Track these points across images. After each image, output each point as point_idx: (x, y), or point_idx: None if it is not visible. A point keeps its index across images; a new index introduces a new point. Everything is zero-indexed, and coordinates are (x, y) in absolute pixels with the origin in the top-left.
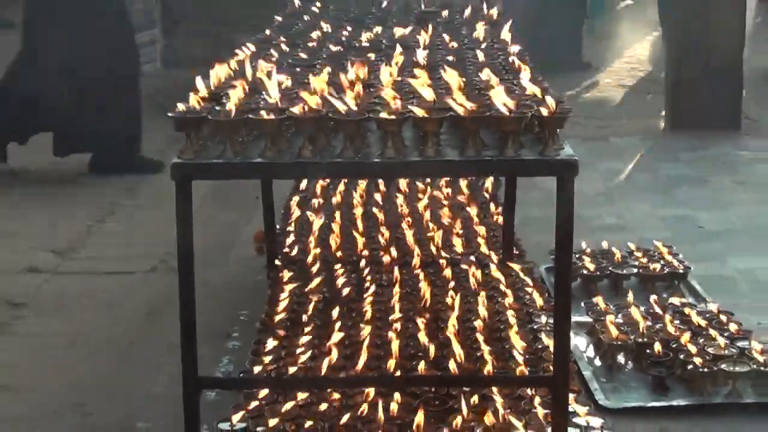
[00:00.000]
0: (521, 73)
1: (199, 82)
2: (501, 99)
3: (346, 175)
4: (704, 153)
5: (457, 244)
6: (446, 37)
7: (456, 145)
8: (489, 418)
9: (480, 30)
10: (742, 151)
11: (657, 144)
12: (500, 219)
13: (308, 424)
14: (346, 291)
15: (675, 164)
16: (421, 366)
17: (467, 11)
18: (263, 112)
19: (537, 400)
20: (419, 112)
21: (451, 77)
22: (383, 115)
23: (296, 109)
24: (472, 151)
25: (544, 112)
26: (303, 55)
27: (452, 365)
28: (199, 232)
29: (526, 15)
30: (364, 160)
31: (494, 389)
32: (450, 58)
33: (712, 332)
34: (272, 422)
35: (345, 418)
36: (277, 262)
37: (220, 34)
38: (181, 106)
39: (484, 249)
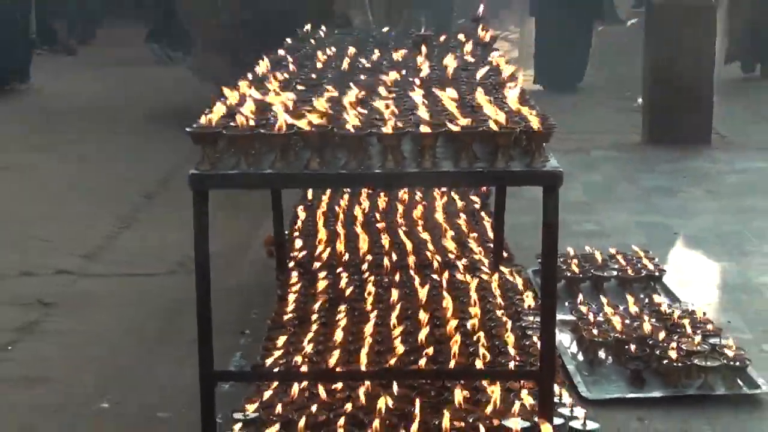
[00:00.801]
0: (510, 92)
1: (216, 100)
2: (492, 115)
3: (350, 185)
4: (678, 165)
5: (452, 249)
6: (441, 59)
7: (450, 157)
8: (481, 409)
9: (472, 51)
10: (712, 164)
11: (634, 157)
12: (491, 226)
13: (314, 411)
14: (349, 291)
15: (651, 176)
16: (419, 361)
17: (461, 35)
18: (274, 127)
19: (525, 392)
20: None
21: (446, 96)
22: (384, 130)
23: (304, 125)
24: (466, 163)
25: (532, 127)
26: (312, 75)
27: (448, 360)
28: (214, 237)
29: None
30: (366, 172)
31: (486, 382)
32: (445, 77)
33: (686, 330)
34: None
35: (348, 407)
36: (287, 264)
37: (239, 54)
38: (198, 122)
39: (476, 254)
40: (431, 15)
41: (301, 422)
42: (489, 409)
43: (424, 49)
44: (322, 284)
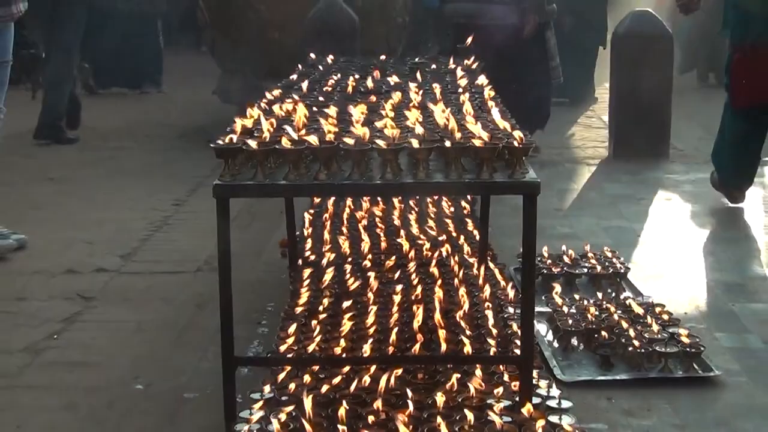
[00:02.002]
0: (493, 111)
1: (237, 119)
2: (478, 133)
3: (353, 194)
4: (640, 176)
5: (443, 249)
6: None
7: (442, 169)
8: (468, 390)
9: (461, 77)
10: (669, 175)
11: (602, 169)
12: (476, 229)
13: (323, 392)
14: (352, 287)
15: (616, 185)
16: (414, 348)
17: (450, 61)
18: (287, 143)
19: (507, 375)
20: (413, 143)
21: (438, 115)
22: (383, 145)
23: (313, 140)
24: (455, 175)
25: (514, 143)
26: (320, 98)
27: (439, 347)
28: (234, 239)
29: None
30: (368, 182)
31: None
32: (438, 99)
33: (648, 320)
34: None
35: (352, 388)
36: (298, 263)
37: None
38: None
39: (464, 253)
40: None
41: (311, 402)
42: (475, 390)
43: (418, 75)
44: (328, 280)
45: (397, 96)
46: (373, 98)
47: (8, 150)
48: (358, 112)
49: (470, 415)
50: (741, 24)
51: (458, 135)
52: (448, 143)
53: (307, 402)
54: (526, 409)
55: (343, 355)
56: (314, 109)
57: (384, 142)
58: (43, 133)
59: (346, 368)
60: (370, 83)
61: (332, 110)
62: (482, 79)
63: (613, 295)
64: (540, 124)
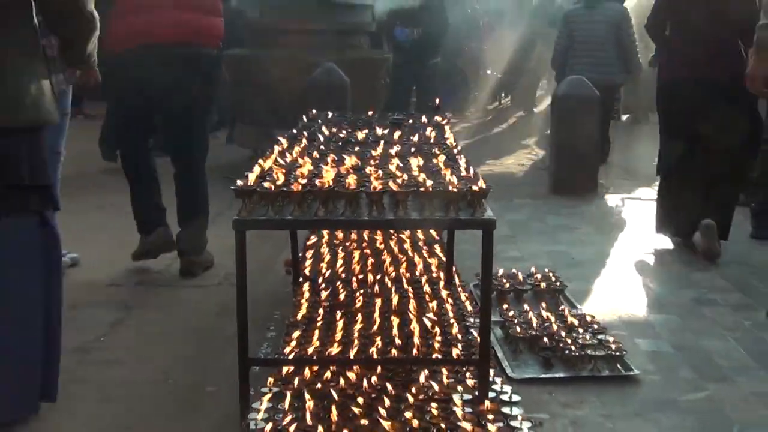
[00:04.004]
0: (460, 161)
1: (254, 168)
2: (448, 179)
3: (346, 227)
4: (574, 210)
5: (417, 270)
6: (410, 136)
7: (417, 208)
8: (436, 386)
9: (432, 131)
10: (598, 209)
11: (544, 203)
12: (444, 253)
13: (318, 387)
14: (343, 299)
15: (556, 217)
16: (393, 351)
17: (423, 118)
18: (292, 187)
19: (468, 374)
20: (394, 188)
21: (415, 164)
22: (371, 188)
23: (314, 184)
24: (428, 213)
25: (475, 188)
26: (321, 146)
27: (412, 350)
28: (249, 259)
29: None
30: (358, 218)
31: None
32: (413, 149)
33: (581, 329)
34: (295, 386)
35: (342, 383)
36: (300, 279)
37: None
38: (239, 182)
39: (434, 273)
40: (422, 32)
41: (309, 395)
42: (441, 387)
43: (399, 129)
44: (324, 294)
45: (381, 147)
46: (361, 148)
47: (78, 181)
48: (350, 161)
49: (436, 407)
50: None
51: (431, 182)
52: (422, 188)
53: (306, 395)
54: (484, 403)
55: (335, 357)
56: (315, 156)
57: (371, 186)
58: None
59: (337, 367)
60: (360, 135)
61: (329, 158)
62: (448, 133)
63: (553, 307)
64: None
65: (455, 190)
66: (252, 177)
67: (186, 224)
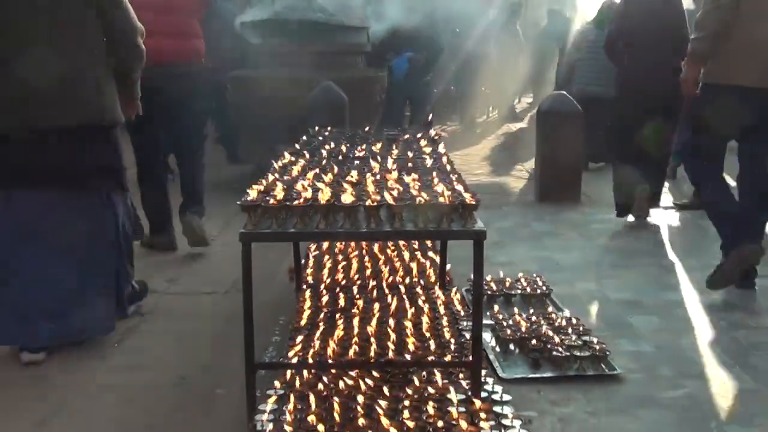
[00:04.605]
0: (452, 175)
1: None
2: (441, 192)
3: (345, 239)
4: (559, 216)
5: (412, 275)
6: (406, 150)
7: (412, 220)
8: (431, 386)
9: (425, 145)
10: (582, 216)
11: (530, 211)
12: (438, 260)
13: (320, 388)
14: (343, 305)
15: (542, 223)
16: (389, 353)
17: (419, 133)
18: (295, 201)
19: (461, 375)
20: (391, 201)
21: (410, 179)
22: (368, 202)
23: (315, 198)
24: (422, 224)
25: (466, 201)
26: (323, 162)
27: (408, 352)
28: (254, 267)
29: None
30: (356, 230)
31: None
32: (409, 164)
33: (567, 330)
34: (298, 388)
35: (341, 385)
36: (302, 286)
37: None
38: (245, 197)
39: (428, 278)
40: (425, 55)
41: (312, 396)
42: (436, 387)
43: (394, 144)
44: (325, 300)
45: (378, 162)
46: (360, 163)
47: None
48: (349, 175)
49: (432, 407)
50: None
51: (425, 195)
52: (417, 201)
53: (310, 396)
54: (476, 402)
55: (335, 360)
56: (317, 170)
57: (369, 200)
58: None
59: (338, 370)
60: (358, 151)
61: (329, 174)
62: (441, 147)
63: (541, 310)
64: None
65: (448, 202)
66: (256, 192)
67: (185, 207)
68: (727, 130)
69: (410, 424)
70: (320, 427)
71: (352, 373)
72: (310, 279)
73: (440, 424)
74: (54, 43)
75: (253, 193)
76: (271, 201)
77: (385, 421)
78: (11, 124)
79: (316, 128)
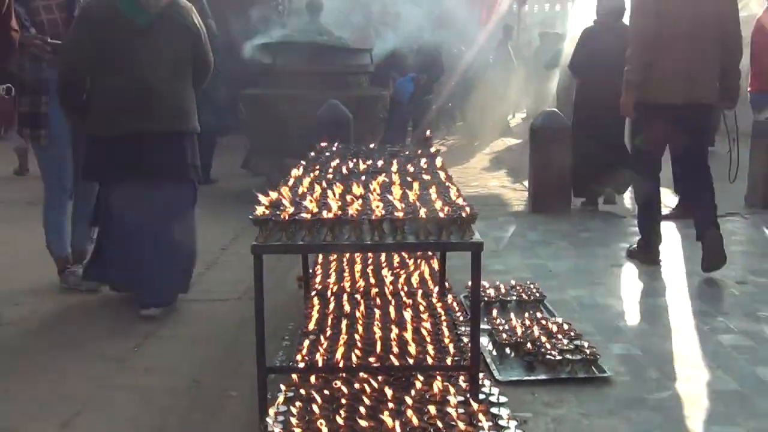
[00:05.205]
0: (450, 189)
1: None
2: (440, 206)
3: (351, 251)
4: (550, 226)
5: (414, 283)
6: (407, 164)
7: (413, 233)
8: (432, 389)
9: (424, 160)
10: (572, 226)
11: (524, 221)
12: (437, 268)
13: (327, 391)
14: (348, 311)
15: (535, 233)
16: (392, 357)
17: (419, 150)
18: (303, 215)
19: (460, 378)
20: (393, 214)
21: (411, 193)
22: (372, 216)
23: (322, 213)
24: (423, 237)
25: (464, 214)
26: (329, 176)
27: (409, 356)
28: (265, 275)
29: None
30: (361, 243)
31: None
32: (409, 178)
33: (559, 335)
34: (305, 391)
35: (346, 390)
36: (310, 293)
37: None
38: (257, 212)
39: (428, 285)
40: (426, 76)
41: (319, 398)
42: (437, 390)
43: (395, 159)
44: (332, 306)
45: (381, 176)
46: (364, 177)
47: None
48: (354, 189)
49: (433, 409)
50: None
51: (425, 208)
52: (418, 215)
53: (317, 398)
54: (475, 404)
55: (341, 363)
56: (324, 184)
57: (373, 213)
58: None
59: (343, 373)
60: (362, 166)
61: (336, 188)
62: (439, 162)
63: (534, 316)
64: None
65: (447, 216)
66: (267, 206)
67: None
68: (660, 140)
69: (414, 424)
70: (327, 428)
71: (358, 377)
72: (318, 286)
73: (440, 424)
74: (171, 77)
75: (263, 208)
76: (281, 215)
77: (389, 422)
78: (139, 129)
79: (323, 144)
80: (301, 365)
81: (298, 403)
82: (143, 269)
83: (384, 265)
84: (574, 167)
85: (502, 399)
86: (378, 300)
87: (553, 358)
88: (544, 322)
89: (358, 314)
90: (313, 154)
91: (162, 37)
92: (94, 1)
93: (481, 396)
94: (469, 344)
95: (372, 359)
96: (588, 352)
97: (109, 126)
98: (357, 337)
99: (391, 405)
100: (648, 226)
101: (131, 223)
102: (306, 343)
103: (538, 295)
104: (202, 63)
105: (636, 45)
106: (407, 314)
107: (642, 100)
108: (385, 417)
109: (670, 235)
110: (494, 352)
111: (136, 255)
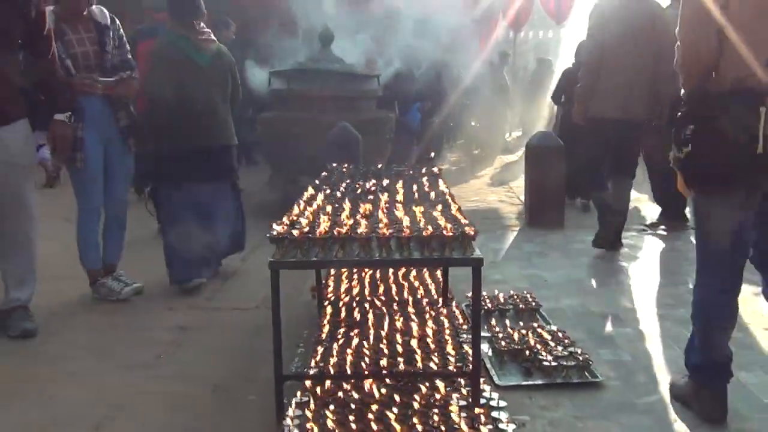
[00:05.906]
0: (452, 207)
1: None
2: (443, 224)
3: (360, 266)
4: (546, 239)
5: (419, 293)
6: (411, 185)
7: (418, 249)
8: (436, 394)
9: (427, 180)
10: (565, 238)
11: (521, 234)
12: (441, 279)
13: (339, 396)
14: (358, 319)
15: (531, 245)
16: (399, 364)
17: (423, 168)
18: (317, 233)
19: (462, 383)
20: (400, 232)
21: (416, 211)
22: (380, 233)
23: (334, 231)
24: (427, 253)
25: (466, 232)
26: (338, 194)
27: (415, 363)
28: (281, 286)
29: None
30: (370, 258)
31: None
32: (414, 197)
33: (554, 342)
34: (319, 395)
35: (356, 396)
36: (323, 303)
37: (293, 175)
38: (274, 231)
39: (432, 295)
40: (431, 103)
41: (331, 403)
42: (440, 395)
43: (401, 179)
44: (342, 315)
45: (387, 195)
46: (372, 196)
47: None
48: (363, 208)
49: (438, 413)
50: None
51: (429, 226)
52: (423, 232)
53: (330, 403)
54: (476, 408)
55: (352, 370)
56: (336, 205)
57: (381, 231)
58: None
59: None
60: (370, 185)
61: (346, 206)
62: (442, 183)
63: (531, 324)
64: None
65: (450, 234)
66: (283, 225)
67: None
68: (601, 146)
69: (419, 428)
70: (338, 431)
71: (367, 382)
72: (330, 296)
73: (444, 428)
74: (217, 99)
75: (281, 226)
76: (297, 233)
77: (396, 426)
78: (194, 144)
79: (334, 164)
80: (315, 371)
81: (312, 407)
82: (200, 246)
83: (391, 276)
84: (567, 175)
85: (502, 403)
86: (385, 310)
87: (548, 364)
88: (540, 330)
89: (367, 323)
90: (324, 174)
91: (215, 73)
92: (165, 45)
93: (482, 400)
94: (471, 352)
95: (381, 366)
96: (581, 358)
97: (185, 141)
98: (366, 344)
99: (398, 409)
100: (602, 215)
101: (191, 215)
102: (320, 350)
103: (534, 304)
104: (236, 91)
105: (585, 64)
106: (413, 323)
107: (588, 113)
108: (393, 421)
109: (657, 248)
110: (494, 359)
111: (194, 237)
